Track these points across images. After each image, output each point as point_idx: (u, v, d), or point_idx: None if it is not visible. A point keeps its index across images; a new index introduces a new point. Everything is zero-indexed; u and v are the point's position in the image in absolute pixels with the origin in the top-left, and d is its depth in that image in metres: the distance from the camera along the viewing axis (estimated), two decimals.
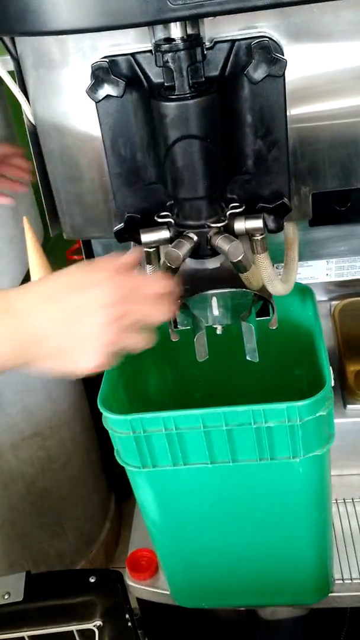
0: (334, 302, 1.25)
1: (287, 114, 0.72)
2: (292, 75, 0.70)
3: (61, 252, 1.60)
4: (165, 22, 0.62)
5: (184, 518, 0.88)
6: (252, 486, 0.84)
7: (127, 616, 1.03)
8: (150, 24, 0.63)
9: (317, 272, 1.21)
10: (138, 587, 1.03)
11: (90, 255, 1.13)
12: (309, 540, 0.90)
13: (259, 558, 0.92)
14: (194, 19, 0.64)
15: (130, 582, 1.03)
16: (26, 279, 1.43)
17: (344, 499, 1.08)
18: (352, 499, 1.08)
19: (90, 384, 1.65)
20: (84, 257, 1.14)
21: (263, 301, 0.84)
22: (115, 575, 1.03)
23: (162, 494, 0.86)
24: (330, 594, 0.98)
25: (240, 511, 0.87)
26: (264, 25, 0.69)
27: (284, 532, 0.88)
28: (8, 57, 0.77)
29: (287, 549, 0.91)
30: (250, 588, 0.98)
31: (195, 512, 0.88)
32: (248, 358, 0.86)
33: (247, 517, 0.88)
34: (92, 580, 1.03)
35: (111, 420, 0.78)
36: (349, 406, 1.08)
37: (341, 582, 0.98)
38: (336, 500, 1.07)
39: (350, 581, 0.98)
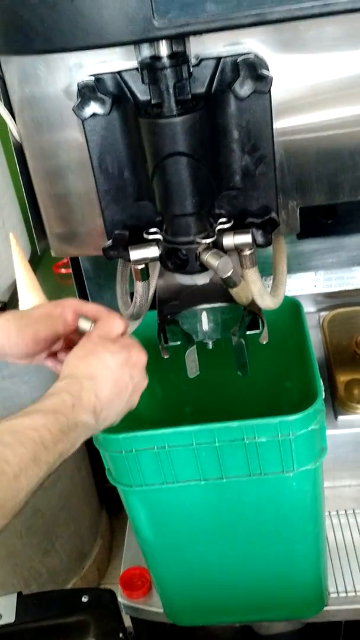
0: (323, 313, 1.25)
1: (273, 127, 0.72)
2: (278, 88, 0.70)
3: (49, 266, 1.59)
4: (151, 41, 0.62)
5: (177, 535, 0.88)
6: (245, 502, 0.83)
7: (120, 635, 1.02)
8: (136, 42, 0.63)
9: (305, 284, 1.21)
10: (132, 606, 1.02)
11: (77, 270, 1.13)
12: (304, 554, 0.90)
13: (254, 573, 0.92)
14: (179, 38, 0.64)
15: (123, 600, 1.02)
16: (13, 294, 1.42)
17: (337, 511, 1.08)
18: (345, 511, 1.07)
19: None
20: (72, 272, 1.13)
21: (252, 315, 0.84)
22: (108, 594, 1.01)
23: (155, 512, 0.85)
24: (325, 608, 0.97)
25: (234, 527, 0.87)
26: (249, 41, 0.69)
27: (278, 547, 0.88)
28: None
29: (282, 564, 0.90)
30: (245, 604, 0.97)
31: (188, 529, 0.87)
32: (239, 373, 0.85)
33: (240, 533, 0.87)
34: (84, 599, 1.01)
35: (102, 438, 0.78)
36: (340, 417, 1.08)
37: (336, 595, 0.98)
38: (329, 512, 1.07)
39: (345, 594, 0.97)
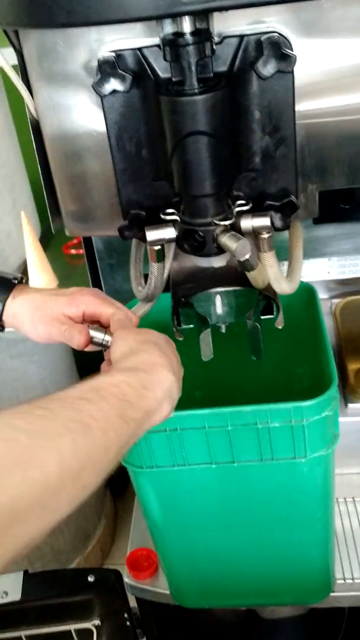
0: (335, 300, 1.24)
1: (295, 110, 0.71)
2: (301, 70, 0.69)
3: (59, 246, 1.58)
4: (177, 16, 0.60)
5: (186, 518, 0.88)
6: (256, 486, 0.83)
7: (125, 616, 1.03)
8: (161, 17, 0.62)
9: (319, 270, 1.20)
10: (137, 587, 1.02)
11: (90, 251, 1.12)
12: (312, 540, 0.90)
13: (262, 558, 0.92)
14: (205, 13, 0.62)
15: (129, 581, 1.02)
16: (24, 274, 1.41)
17: (344, 498, 1.07)
18: (353, 498, 1.07)
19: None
20: (84, 252, 1.12)
21: (267, 300, 0.84)
22: (114, 575, 1.02)
23: (164, 494, 0.85)
24: (331, 594, 0.98)
25: (243, 511, 0.87)
26: (272, 20, 0.68)
27: (286, 532, 0.88)
28: (10, 50, 0.75)
29: (290, 549, 0.90)
30: (252, 588, 0.98)
31: (198, 512, 0.87)
32: (253, 357, 0.85)
33: (249, 517, 0.87)
34: (90, 579, 1.02)
35: None
36: (350, 405, 1.08)
37: (342, 581, 0.98)
38: (337, 499, 1.06)
39: (351, 581, 0.97)
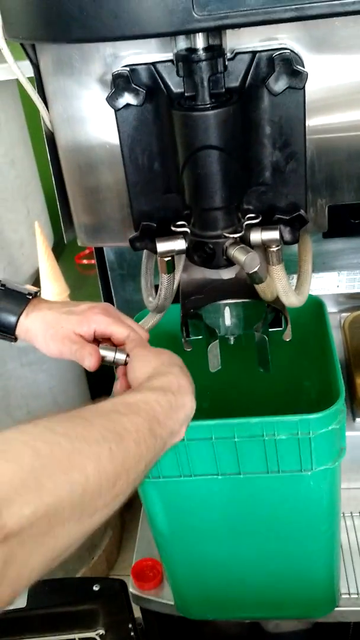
0: (344, 314, 1.24)
1: (306, 125, 0.72)
2: (312, 86, 0.70)
3: (71, 256, 1.60)
4: (190, 33, 0.62)
5: (192, 529, 0.88)
6: (262, 498, 0.83)
7: (130, 626, 1.03)
8: (175, 34, 0.63)
9: (328, 283, 1.21)
10: (142, 597, 1.02)
11: (102, 261, 1.13)
12: (318, 554, 0.90)
13: (267, 570, 0.92)
14: (218, 30, 0.64)
15: (134, 591, 1.02)
16: (36, 283, 1.43)
17: (351, 513, 1.07)
18: None
19: (96, 390, 1.65)
20: (96, 263, 1.14)
21: (276, 312, 0.84)
22: (119, 584, 1.02)
23: (170, 505, 0.85)
24: (336, 608, 0.97)
25: (249, 523, 0.87)
26: (284, 36, 0.69)
27: (292, 545, 0.88)
28: (27, 63, 0.77)
29: (296, 562, 0.90)
30: (257, 600, 0.97)
31: (204, 524, 0.87)
32: (260, 369, 0.85)
33: (255, 529, 0.87)
34: (95, 588, 1.02)
35: None
36: (358, 419, 1.08)
37: (347, 596, 0.98)
38: (343, 513, 1.06)
39: (357, 595, 0.97)
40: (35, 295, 0.79)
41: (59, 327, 0.74)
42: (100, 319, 0.74)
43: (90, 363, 0.71)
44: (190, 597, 0.99)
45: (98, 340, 0.75)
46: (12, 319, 0.76)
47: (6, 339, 0.78)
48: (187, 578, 0.95)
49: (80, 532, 0.49)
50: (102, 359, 0.72)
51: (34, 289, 0.79)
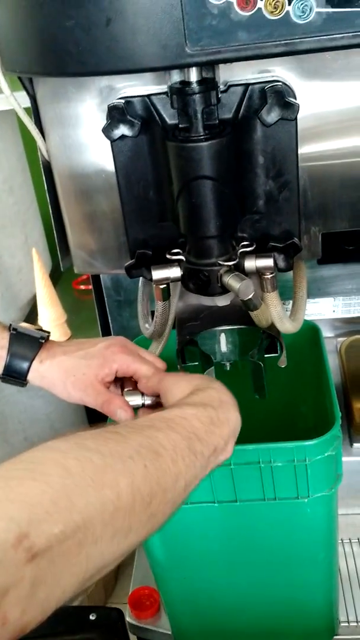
0: (341, 339, 1.25)
1: (298, 153, 0.73)
2: (303, 114, 0.71)
3: (68, 281, 1.61)
4: (183, 67, 0.63)
5: (189, 557, 0.87)
6: (258, 526, 0.83)
7: None
8: (169, 68, 0.64)
9: (324, 308, 1.21)
10: (140, 626, 1.01)
11: (98, 288, 1.14)
12: (315, 581, 0.89)
13: (264, 598, 0.91)
14: (211, 65, 0.65)
15: (131, 620, 1.01)
16: (33, 309, 1.44)
17: (349, 539, 1.06)
18: (358, 539, 1.06)
19: (94, 416, 1.64)
20: (93, 289, 1.14)
21: (271, 338, 0.85)
22: (116, 613, 1.01)
23: (167, 532, 0.85)
24: (335, 637, 0.96)
25: (246, 551, 0.86)
26: (276, 68, 0.70)
27: (289, 573, 0.87)
28: (23, 93, 0.78)
29: (293, 590, 0.89)
30: (255, 629, 0.96)
31: (200, 552, 0.86)
32: (256, 396, 0.85)
33: (252, 557, 0.87)
34: (92, 617, 1.01)
35: None
36: (355, 444, 1.07)
37: (346, 624, 0.97)
38: (341, 540, 1.06)
39: (356, 624, 0.96)
40: (47, 338, 0.77)
41: (80, 374, 0.73)
42: (121, 358, 0.73)
43: (122, 416, 0.70)
44: (188, 627, 0.97)
45: (119, 378, 0.74)
46: (24, 364, 0.74)
47: (16, 384, 0.76)
48: (184, 606, 0.94)
49: (115, 553, 0.47)
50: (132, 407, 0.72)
51: (45, 332, 0.77)
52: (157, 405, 0.71)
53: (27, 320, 1.44)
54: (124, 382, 0.76)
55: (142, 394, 0.72)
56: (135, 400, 0.72)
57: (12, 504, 0.42)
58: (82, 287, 1.56)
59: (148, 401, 0.72)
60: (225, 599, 0.92)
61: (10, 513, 0.42)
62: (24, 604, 0.40)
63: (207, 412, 0.59)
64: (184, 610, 0.95)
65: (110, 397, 0.71)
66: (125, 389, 0.73)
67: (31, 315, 1.46)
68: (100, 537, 0.45)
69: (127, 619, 1.01)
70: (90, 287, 1.18)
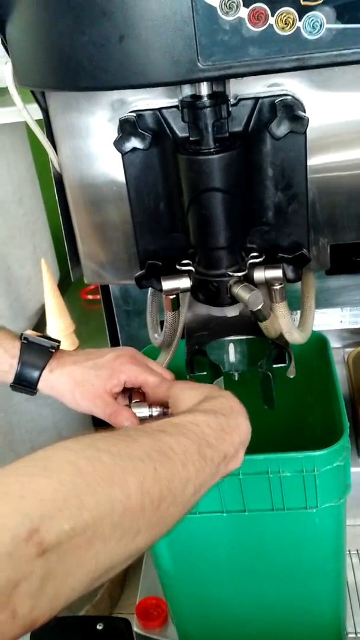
0: (348, 350, 1.25)
1: (307, 165, 0.73)
2: (313, 126, 0.72)
3: (77, 291, 1.62)
4: (194, 82, 0.64)
5: (196, 567, 0.87)
6: (266, 536, 0.83)
7: None
8: (180, 83, 0.65)
9: (332, 319, 1.22)
10: (147, 636, 1.01)
11: (107, 298, 1.15)
12: (323, 593, 0.89)
13: (272, 609, 0.91)
14: (222, 79, 0.66)
15: (138, 630, 1.01)
16: (42, 319, 1.44)
17: (357, 550, 1.06)
18: None
19: (100, 426, 1.64)
20: (102, 299, 1.15)
21: (279, 349, 0.85)
22: (123, 623, 1.01)
23: (175, 542, 0.85)
24: None
25: (253, 561, 0.86)
26: (286, 81, 0.71)
27: (297, 584, 0.87)
28: (35, 105, 0.79)
29: (301, 601, 0.89)
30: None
31: (208, 562, 0.87)
32: (265, 406, 0.86)
33: (260, 567, 0.87)
34: (99, 627, 1.01)
35: None
36: None
37: (354, 635, 0.96)
38: (349, 551, 1.05)
39: None
40: (57, 348, 0.78)
41: (89, 385, 0.74)
42: (129, 368, 0.74)
43: (124, 414, 0.71)
44: (195, 637, 0.97)
45: (128, 388, 0.75)
46: (35, 373, 0.76)
47: (26, 392, 0.77)
48: (192, 617, 0.94)
49: (123, 553, 0.48)
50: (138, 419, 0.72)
51: (55, 342, 0.78)
52: (165, 416, 0.71)
53: (35, 330, 1.45)
54: (132, 393, 0.76)
55: (150, 406, 0.73)
56: (143, 412, 0.73)
57: (24, 500, 0.43)
58: (90, 297, 1.57)
59: (155, 413, 0.73)
60: (232, 609, 0.92)
61: (22, 509, 0.42)
62: (34, 598, 0.41)
63: (217, 419, 0.60)
64: (192, 621, 0.95)
65: (118, 409, 0.72)
66: (133, 401, 0.74)
67: (39, 325, 1.46)
68: (109, 537, 0.46)
69: (135, 629, 1.01)
70: (99, 296, 1.19)
